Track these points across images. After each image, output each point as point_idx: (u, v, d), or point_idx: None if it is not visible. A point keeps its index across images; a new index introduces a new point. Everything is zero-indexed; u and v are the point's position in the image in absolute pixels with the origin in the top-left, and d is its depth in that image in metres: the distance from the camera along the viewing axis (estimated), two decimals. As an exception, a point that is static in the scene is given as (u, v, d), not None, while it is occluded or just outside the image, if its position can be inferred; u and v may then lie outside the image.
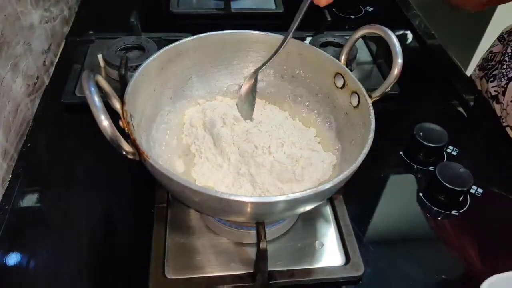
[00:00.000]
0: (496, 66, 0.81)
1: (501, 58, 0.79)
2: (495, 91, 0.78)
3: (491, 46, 0.87)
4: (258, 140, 0.53)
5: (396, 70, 0.49)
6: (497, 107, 0.77)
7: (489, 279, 0.44)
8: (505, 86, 0.75)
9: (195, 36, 0.56)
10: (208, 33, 0.57)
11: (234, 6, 0.97)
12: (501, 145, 0.72)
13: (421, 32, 0.97)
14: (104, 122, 0.38)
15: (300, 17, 0.54)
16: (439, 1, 1.54)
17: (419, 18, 1.02)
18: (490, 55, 0.85)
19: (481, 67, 0.87)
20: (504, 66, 0.77)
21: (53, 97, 0.73)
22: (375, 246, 0.57)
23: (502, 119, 0.75)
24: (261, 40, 0.59)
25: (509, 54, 0.78)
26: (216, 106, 0.59)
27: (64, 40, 0.87)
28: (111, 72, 0.76)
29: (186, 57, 0.57)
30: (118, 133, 0.39)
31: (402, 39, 0.97)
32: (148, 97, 0.54)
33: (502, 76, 0.77)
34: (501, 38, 0.84)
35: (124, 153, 0.41)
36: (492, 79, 0.80)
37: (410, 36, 0.98)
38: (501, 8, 1.49)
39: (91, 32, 0.88)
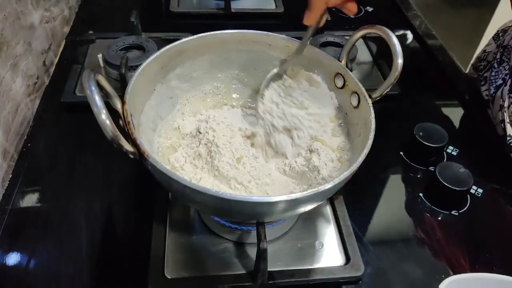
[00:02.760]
0: (487, 66, 0.80)
1: (492, 62, 0.78)
2: (486, 95, 0.78)
3: (486, 45, 0.85)
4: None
5: (396, 70, 0.49)
6: (489, 112, 0.77)
7: (448, 279, 0.44)
8: (493, 94, 0.74)
9: (195, 36, 0.56)
10: (209, 33, 0.57)
11: (234, 6, 0.97)
12: (501, 146, 0.72)
13: (421, 32, 0.97)
14: (105, 121, 0.38)
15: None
16: (439, 1, 1.54)
17: (419, 18, 1.02)
18: (483, 54, 0.83)
19: (474, 66, 0.86)
20: (493, 74, 0.76)
21: (53, 96, 0.73)
22: (375, 246, 0.57)
23: (495, 125, 0.75)
24: (262, 40, 0.59)
25: (498, 60, 0.76)
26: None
27: (64, 40, 0.87)
28: (111, 72, 0.76)
29: (186, 56, 0.57)
30: (118, 133, 0.39)
31: (402, 39, 0.97)
32: (148, 97, 0.54)
33: (491, 83, 0.75)
34: (495, 37, 0.82)
35: (124, 152, 0.41)
36: (483, 82, 0.79)
37: (410, 36, 0.98)
38: (501, 8, 1.49)
39: (91, 32, 0.88)
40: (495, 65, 0.76)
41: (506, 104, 0.70)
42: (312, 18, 0.53)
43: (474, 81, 0.84)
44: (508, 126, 0.69)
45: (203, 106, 0.60)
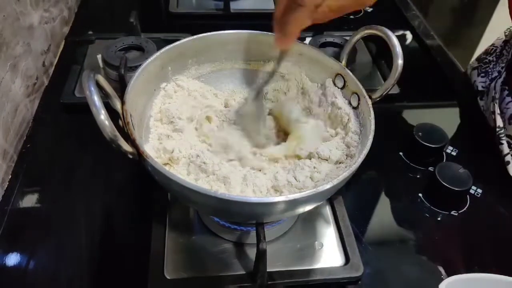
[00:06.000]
0: (492, 61, 0.80)
1: (493, 56, 0.79)
2: (482, 86, 0.78)
3: (496, 39, 0.84)
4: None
5: (396, 71, 0.49)
6: (482, 103, 0.77)
7: (447, 279, 0.44)
8: (488, 86, 0.75)
9: (195, 36, 0.56)
10: (208, 33, 0.57)
11: (233, 6, 0.97)
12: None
13: (421, 32, 0.97)
14: (104, 121, 0.38)
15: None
16: (438, 1, 1.54)
17: (418, 18, 1.02)
18: (490, 48, 0.83)
19: (478, 58, 0.85)
20: (491, 66, 0.77)
21: (52, 97, 0.73)
22: (374, 246, 0.57)
23: (486, 117, 0.75)
24: (261, 40, 0.59)
25: (498, 53, 0.77)
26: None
27: (63, 41, 0.87)
28: (110, 73, 0.76)
29: (186, 57, 0.57)
30: (117, 133, 0.39)
31: (401, 39, 0.97)
32: (148, 97, 0.54)
33: (488, 75, 0.77)
34: (507, 31, 0.81)
35: (123, 152, 0.41)
36: (483, 75, 0.79)
37: (409, 36, 0.98)
38: (500, 9, 1.50)
39: (90, 33, 0.88)
40: (494, 58, 0.77)
41: (497, 96, 0.71)
42: (289, 40, 0.47)
43: (469, 79, 0.84)
44: (498, 117, 0.69)
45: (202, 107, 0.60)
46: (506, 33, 0.81)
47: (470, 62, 0.88)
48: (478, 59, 0.85)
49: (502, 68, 0.74)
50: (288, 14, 0.45)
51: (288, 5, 0.44)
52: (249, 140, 0.55)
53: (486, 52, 0.84)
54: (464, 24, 1.56)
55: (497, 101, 0.71)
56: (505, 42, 0.77)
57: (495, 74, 0.75)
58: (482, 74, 0.80)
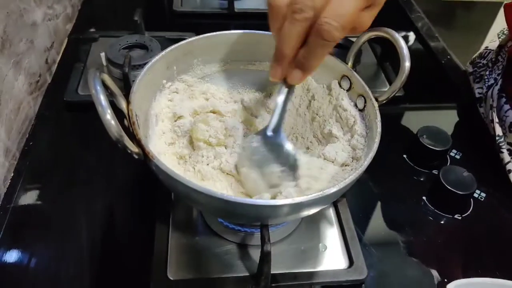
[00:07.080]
0: (487, 65, 0.79)
1: (488, 61, 0.78)
2: (479, 93, 0.77)
3: (490, 41, 0.83)
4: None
5: (403, 74, 0.49)
6: (480, 109, 0.77)
7: (451, 283, 0.44)
8: (485, 94, 0.75)
9: (201, 36, 0.56)
10: (215, 33, 0.57)
11: (237, 6, 0.97)
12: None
13: (425, 34, 0.97)
14: (110, 121, 0.38)
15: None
16: (441, 3, 1.53)
17: (422, 20, 1.01)
18: (484, 51, 0.82)
19: (472, 61, 0.85)
20: (487, 73, 0.76)
21: (55, 95, 0.73)
22: (378, 249, 0.56)
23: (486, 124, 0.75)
24: (267, 40, 0.58)
25: (493, 60, 0.76)
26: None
27: (67, 38, 0.86)
28: (114, 71, 0.75)
29: (192, 56, 0.57)
30: (123, 133, 0.39)
31: (405, 41, 0.97)
32: (153, 97, 0.53)
33: (484, 82, 0.76)
34: (500, 34, 0.81)
35: (129, 152, 0.41)
36: (478, 80, 0.79)
37: (413, 38, 0.98)
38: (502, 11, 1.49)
39: (94, 30, 0.87)
40: (490, 64, 0.76)
41: (495, 104, 0.70)
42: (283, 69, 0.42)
43: (468, 81, 0.83)
44: (497, 126, 0.69)
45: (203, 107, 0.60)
46: (499, 35, 0.80)
47: (466, 66, 0.88)
48: (472, 63, 0.84)
49: (498, 75, 0.73)
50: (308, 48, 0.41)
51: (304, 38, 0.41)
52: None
53: (480, 56, 0.83)
54: (468, 26, 1.56)
55: (495, 109, 0.70)
56: (500, 47, 0.76)
57: (492, 81, 0.74)
58: (478, 79, 0.79)
